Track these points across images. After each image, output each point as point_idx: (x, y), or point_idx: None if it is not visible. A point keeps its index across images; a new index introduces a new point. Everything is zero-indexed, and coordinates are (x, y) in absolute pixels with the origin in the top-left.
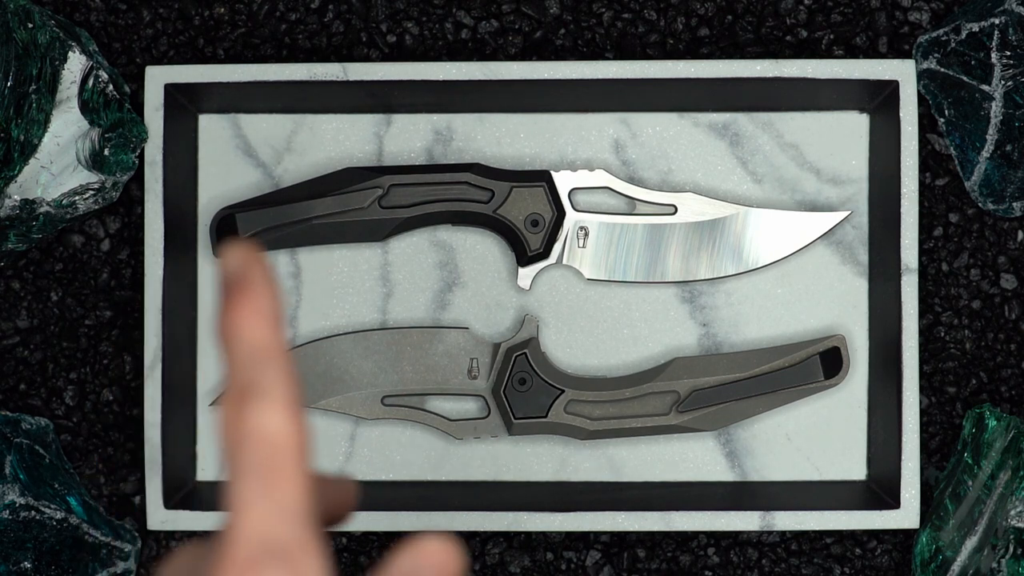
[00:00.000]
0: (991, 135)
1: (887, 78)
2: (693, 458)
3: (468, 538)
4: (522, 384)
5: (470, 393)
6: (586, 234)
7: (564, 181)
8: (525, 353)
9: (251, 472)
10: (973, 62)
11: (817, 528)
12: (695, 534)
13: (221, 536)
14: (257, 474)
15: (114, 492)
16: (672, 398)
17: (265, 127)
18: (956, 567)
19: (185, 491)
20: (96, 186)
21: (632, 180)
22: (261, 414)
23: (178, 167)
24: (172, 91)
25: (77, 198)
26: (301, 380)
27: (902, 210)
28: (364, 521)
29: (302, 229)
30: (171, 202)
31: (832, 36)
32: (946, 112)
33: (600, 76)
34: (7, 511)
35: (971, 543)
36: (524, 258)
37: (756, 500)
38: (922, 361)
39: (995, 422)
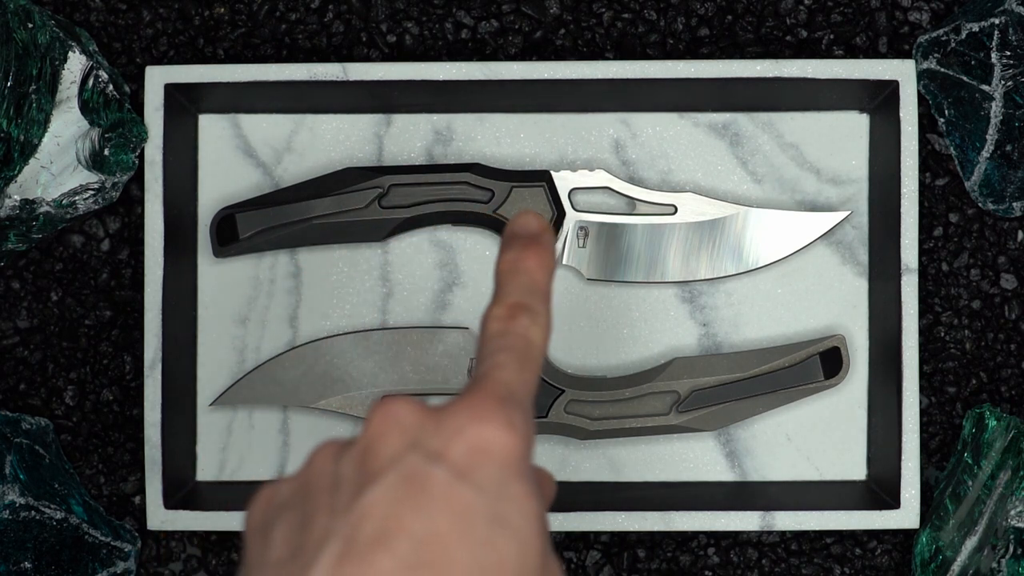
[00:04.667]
0: (991, 135)
1: (887, 78)
2: (693, 458)
3: None
4: None
5: None
6: (586, 234)
7: (564, 181)
8: None
9: (514, 353)
10: (973, 62)
11: (817, 528)
12: (695, 534)
13: (477, 380)
14: (518, 356)
15: (114, 492)
16: (672, 398)
17: (265, 127)
18: (956, 567)
19: (185, 491)
20: (96, 186)
21: (632, 180)
22: (531, 326)
23: (178, 167)
24: (172, 91)
25: (77, 198)
26: (301, 380)
27: (902, 210)
28: None
29: (302, 229)
30: (171, 202)
31: (832, 36)
32: (946, 112)
33: (600, 76)
34: (7, 511)
35: (971, 543)
36: None
37: (756, 500)
38: (922, 361)
39: (995, 422)
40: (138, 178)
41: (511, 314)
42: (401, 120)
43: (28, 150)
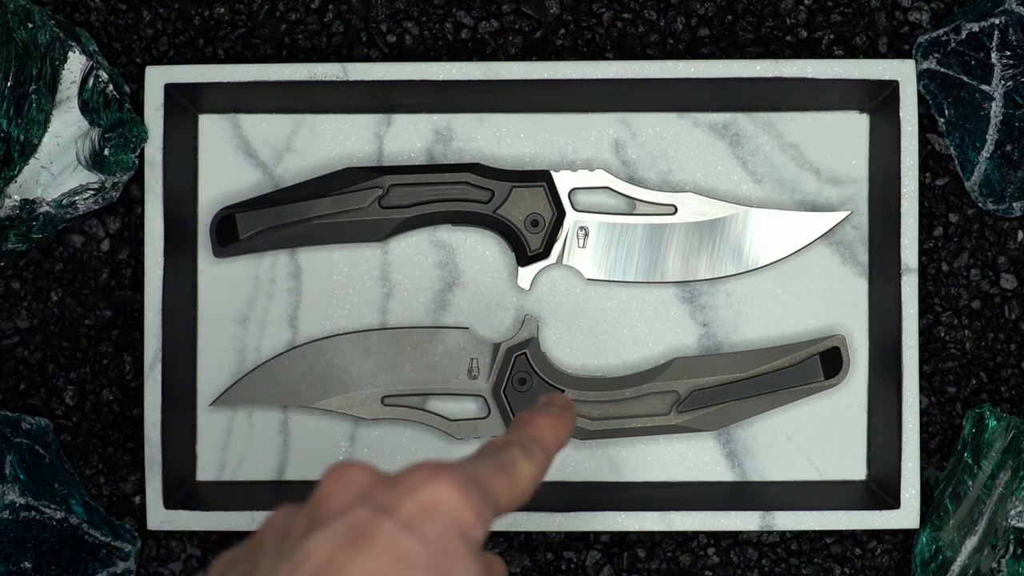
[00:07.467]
0: (991, 135)
1: (887, 78)
2: (693, 458)
3: None
4: (522, 384)
5: (470, 393)
6: (586, 234)
7: (564, 181)
8: (525, 353)
9: (494, 461)
10: (973, 62)
11: (817, 528)
12: (695, 534)
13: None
14: (496, 465)
15: (114, 492)
16: (672, 398)
17: (265, 127)
18: (956, 567)
19: (185, 491)
20: (96, 186)
21: (632, 180)
22: (522, 457)
23: (178, 167)
24: (172, 91)
25: (77, 198)
26: (301, 380)
27: (902, 210)
28: None
29: (302, 229)
30: (171, 202)
31: (832, 36)
32: (946, 112)
33: (600, 76)
34: (7, 511)
35: (971, 543)
36: (524, 258)
37: (756, 500)
38: (922, 361)
39: (995, 422)
40: (138, 178)
41: (506, 444)
42: (401, 120)
43: (28, 150)
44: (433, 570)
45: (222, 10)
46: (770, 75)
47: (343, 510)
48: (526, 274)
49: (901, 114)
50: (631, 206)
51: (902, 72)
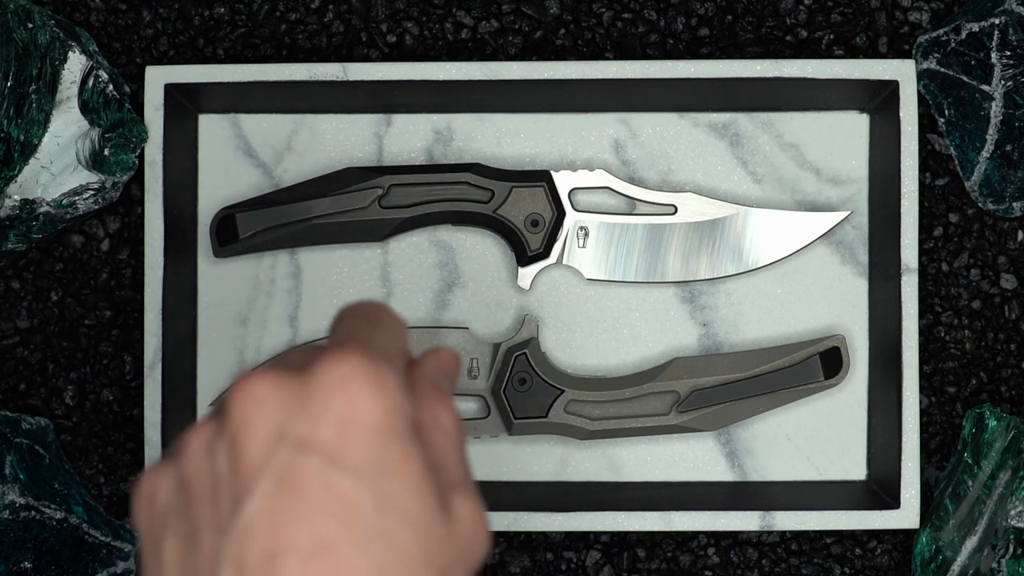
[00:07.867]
0: (991, 135)
1: (887, 78)
2: (693, 458)
3: None
4: (522, 384)
5: (470, 393)
6: (586, 234)
7: (564, 181)
8: (525, 353)
9: (359, 318)
10: (973, 62)
11: (817, 528)
12: (695, 534)
13: (332, 343)
14: (364, 319)
15: (114, 492)
16: (672, 398)
17: (265, 127)
18: (956, 567)
19: None
20: (96, 186)
21: (632, 180)
22: (377, 306)
23: (178, 167)
24: (172, 91)
25: (77, 198)
26: None
27: (902, 210)
28: None
29: (302, 229)
30: (171, 202)
31: (832, 36)
32: (946, 112)
33: (600, 76)
34: (7, 511)
35: (971, 543)
36: (524, 258)
37: (756, 500)
38: (922, 361)
39: (995, 422)
40: (138, 178)
41: (354, 314)
42: (401, 120)
43: (28, 150)
44: (378, 508)
45: (222, 10)
46: (770, 75)
47: (264, 456)
48: (526, 274)
49: (901, 114)
50: (631, 206)
51: (902, 72)
